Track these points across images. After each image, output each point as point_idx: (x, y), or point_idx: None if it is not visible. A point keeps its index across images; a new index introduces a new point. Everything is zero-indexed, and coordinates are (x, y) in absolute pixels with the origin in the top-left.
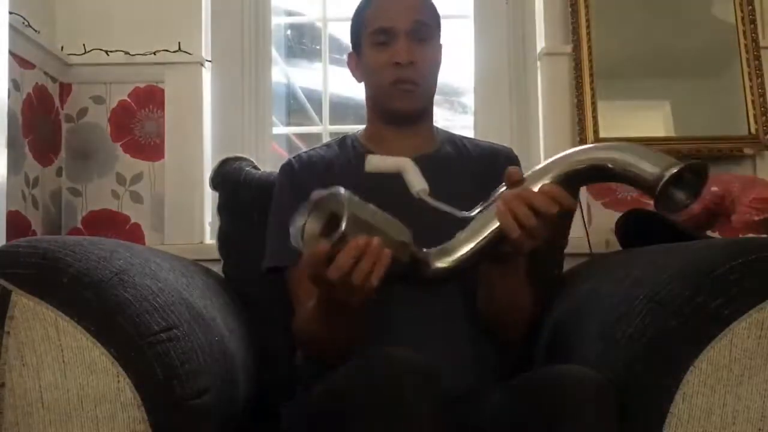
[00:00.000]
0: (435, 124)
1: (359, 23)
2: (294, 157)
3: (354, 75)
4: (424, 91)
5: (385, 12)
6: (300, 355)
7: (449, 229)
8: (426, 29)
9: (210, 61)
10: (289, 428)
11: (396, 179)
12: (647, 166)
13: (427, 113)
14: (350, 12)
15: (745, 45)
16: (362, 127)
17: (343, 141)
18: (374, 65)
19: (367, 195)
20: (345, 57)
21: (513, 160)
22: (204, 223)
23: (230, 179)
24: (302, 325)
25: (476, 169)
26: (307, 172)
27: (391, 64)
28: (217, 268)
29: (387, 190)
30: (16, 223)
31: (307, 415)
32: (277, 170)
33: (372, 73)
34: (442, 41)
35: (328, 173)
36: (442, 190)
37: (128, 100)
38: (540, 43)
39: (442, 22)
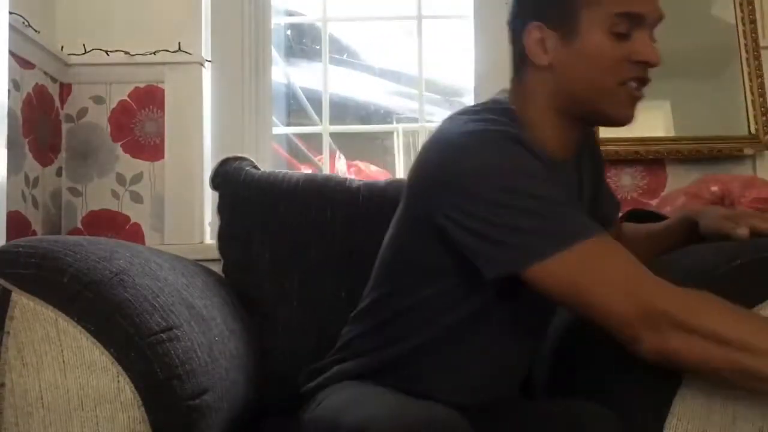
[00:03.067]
0: (438, 123)
1: None
2: (507, 132)
3: (531, 55)
4: None
5: None
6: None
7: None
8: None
9: (210, 61)
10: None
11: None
12: None
13: None
14: (350, 12)
15: (745, 45)
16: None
17: (517, 139)
18: (607, 57)
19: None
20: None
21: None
22: (204, 223)
23: (230, 179)
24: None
25: (597, 164)
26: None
27: (630, 61)
28: (217, 268)
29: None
30: (16, 223)
31: None
32: (277, 169)
33: (596, 64)
34: None
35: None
36: (584, 193)
37: (128, 100)
38: None
39: (442, 22)
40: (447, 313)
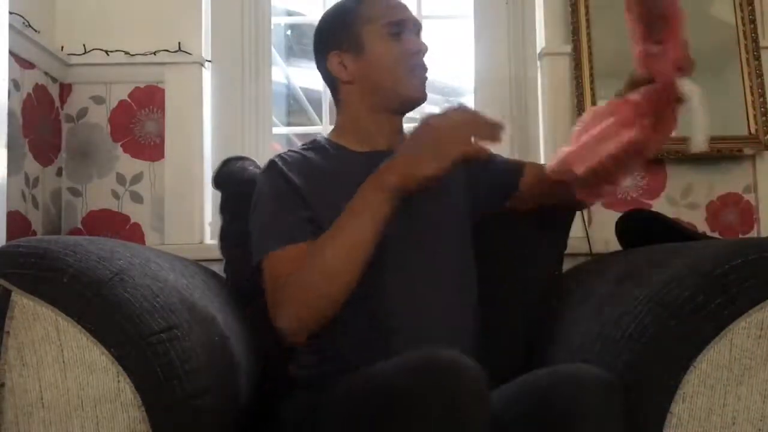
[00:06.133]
0: None
1: (356, 19)
2: (277, 157)
3: (338, 75)
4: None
5: (394, 6)
6: (292, 365)
7: (442, 218)
8: (420, 28)
9: (210, 61)
10: (290, 428)
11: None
12: None
13: None
14: None
15: (745, 45)
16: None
17: (316, 144)
18: (390, 56)
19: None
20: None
21: None
22: (204, 223)
23: (233, 179)
24: (305, 278)
25: None
26: (296, 170)
27: (408, 54)
28: (217, 268)
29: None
30: (16, 223)
31: (336, 415)
32: None
33: (385, 64)
34: None
35: (316, 175)
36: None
37: (128, 100)
38: (540, 43)
39: (442, 22)
40: None
